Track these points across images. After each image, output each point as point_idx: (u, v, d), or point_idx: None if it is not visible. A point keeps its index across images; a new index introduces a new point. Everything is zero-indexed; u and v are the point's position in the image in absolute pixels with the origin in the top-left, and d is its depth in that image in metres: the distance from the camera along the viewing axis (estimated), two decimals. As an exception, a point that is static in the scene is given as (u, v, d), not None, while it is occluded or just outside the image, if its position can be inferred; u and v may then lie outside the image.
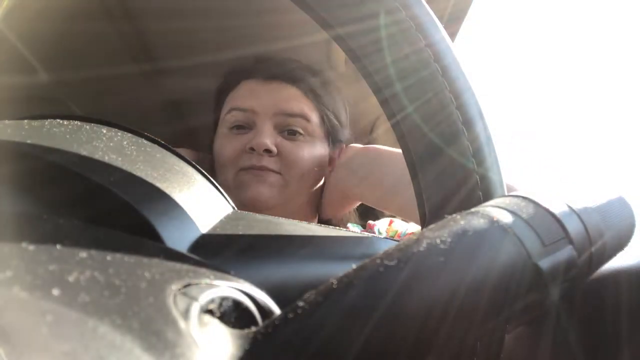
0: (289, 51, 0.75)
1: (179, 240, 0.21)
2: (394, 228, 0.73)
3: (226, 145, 0.69)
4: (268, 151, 0.65)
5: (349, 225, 0.76)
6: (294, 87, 0.69)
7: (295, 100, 0.69)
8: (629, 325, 0.22)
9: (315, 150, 0.69)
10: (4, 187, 0.20)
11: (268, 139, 0.65)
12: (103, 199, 0.20)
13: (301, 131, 0.68)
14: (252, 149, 0.65)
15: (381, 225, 0.73)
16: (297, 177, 0.67)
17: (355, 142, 0.83)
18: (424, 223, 0.26)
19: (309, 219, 0.75)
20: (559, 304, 0.23)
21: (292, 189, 0.67)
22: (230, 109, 0.70)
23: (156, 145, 0.28)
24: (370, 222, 0.76)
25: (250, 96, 0.69)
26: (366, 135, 1.01)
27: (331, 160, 0.74)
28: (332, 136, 0.72)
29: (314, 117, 0.69)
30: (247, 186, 0.65)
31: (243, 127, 0.69)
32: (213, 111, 0.77)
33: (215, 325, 0.15)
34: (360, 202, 0.74)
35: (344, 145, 0.75)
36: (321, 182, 0.73)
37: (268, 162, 0.65)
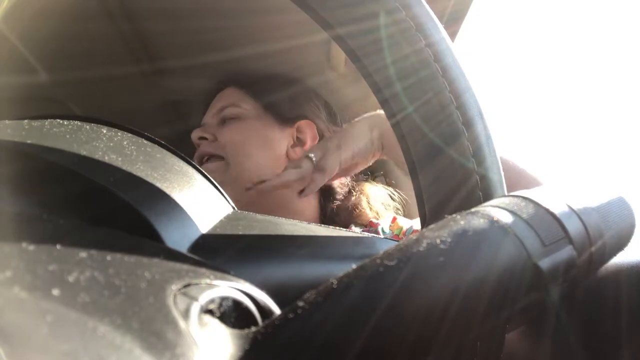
0: (289, 51, 0.75)
1: (179, 240, 0.21)
2: (399, 224, 0.72)
3: None
4: (203, 138, 0.75)
5: (352, 227, 0.75)
6: (231, 87, 0.79)
7: (227, 96, 0.79)
8: (629, 325, 0.22)
9: (250, 128, 0.75)
10: (4, 187, 0.20)
11: (198, 130, 0.76)
12: (103, 199, 0.20)
13: (233, 116, 0.76)
14: (196, 144, 0.76)
15: (384, 224, 0.73)
16: (236, 153, 0.73)
17: (333, 124, 0.83)
18: (424, 223, 0.26)
19: (308, 213, 0.75)
20: (559, 304, 0.23)
21: (236, 166, 0.72)
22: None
23: (156, 145, 0.28)
24: (373, 220, 0.75)
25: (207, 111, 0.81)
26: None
27: (299, 140, 0.78)
28: (277, 112, 0.77)
29: (245, 103, 0.77)
30: None
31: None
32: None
33: (215, 325, 0.15)
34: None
35: (312, 122, 0.79)
36: (278, 161, 0.75)
37: (207, 146, 0.74)
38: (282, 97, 0.78)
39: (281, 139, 0.76)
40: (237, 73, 0.80)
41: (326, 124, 0.81)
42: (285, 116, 0.77)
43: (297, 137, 0.78)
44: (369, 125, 0.61)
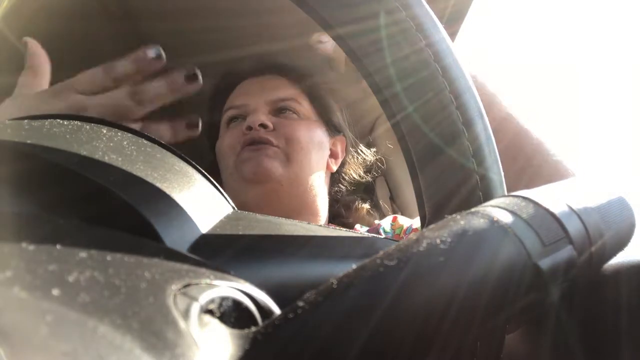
0: (289, 51, 0.75)
1: (179, 240, 0.21)
2: (400, 223, 0.73)
3: (225, 136, 0.72)
4: (264, 126, 0.68)
5: (357, 226, 0.77)
6: (282, 78, 0.75)
7: (284, 87, 0.74)
8: (629, 324, 0.22)
9: (311, 129, 0.72)
10: (4, 187, 0.20)
11: (262, 115, 0.69)
12: (103, 199, 0.20)
13: (294, 111, 0.72)
14: (249, 127, 0.67)
15: (385, 224, 0.74)
16: (298, 150, 0.68)
17: (355, 142, 0.84)
18: (424, 223, 0.26)
19: (317, 217, 0.76)
20: (559, 304, 0.23)
21: (296, 163, 0.68)
22: (226, 109, 0.74)
23: (156, 145, 0.28)
24: (376, 221, 0.77)
25: (243, 93, 0.74)
26: (366, 135, 1.01)
27: (333, 153, 0.78)
28: (327, 122, 0.76)
29: (305, 102, 0.74)
30: (249, 160, 0.66)
31: (238, 118, 0.72)
32: (209, 116, 0.79)
33: (215, 325, 0.15)
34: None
35: (344, 138, 0.79)
36: (323, 170, 0.75)
37: (266, 134, 0.67)
38: (332, 107, 0.79)
39: (327, 148, 0.77)
40: (289, 67, 0.77)
41: (352, 142, 0.84)
42: (334, 127, 0.78)
43: (331, 150, 0.78)
44: None
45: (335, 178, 0.82)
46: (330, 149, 0.78)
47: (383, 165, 0.93)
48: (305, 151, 0.70)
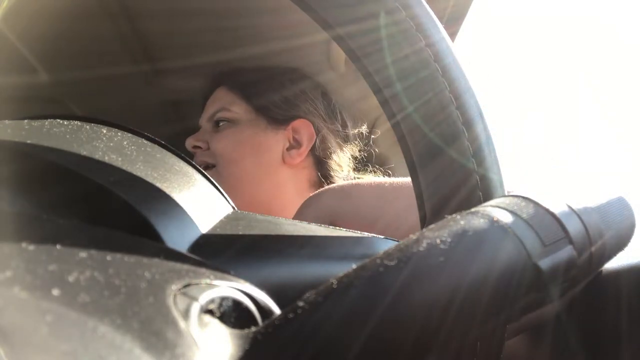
0: (289, 51, 0.75)
1: (179, 240, 0.21)
2: None
3: None
4: (197, 147, 0.74)
5: None
6: (223, 87, 0.77)
7: (219, 98, 0.76)
8: (629, 325, 0.22)
9: (241, 133, 0.73)
10: (4, 187, 0.20)
11: (192, 138, 0.75)
12: (103, 199, 0.20)
13: (226, 120, 0.74)
14: (192, 153, 0.75)
15: None
16: (227, 162, 0.71)
17: (330, 117, 0.80)
18: (424, 223, 0.26)
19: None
20: (559, 305, 0.23)
21: (229, 177, 0.70)
22: None
23: (156, 145, 0.28)
24: None
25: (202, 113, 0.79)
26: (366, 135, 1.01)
27: (295, 141, 0.74)
28: (267, 115, 0.74)
29: (236, 106, 0.74)
30: None
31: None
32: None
33: (215, 325, 0.15)
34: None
35: (307, 120, 0.75)
36: (274, 168, 0.72)
37: (202, 155, 0.73)
38: (273, 97, 0.75)
39: (275, 143, 0.72)
40: (227, 73, 0.78)
41: (324, 120, 0.77)
42: (277, 118, 0.74)
43: (294, 138, 0.74)
44: (316, 210, 0.53)
45: (322, 162, 0.76)
46: (294, 138, 0.73)
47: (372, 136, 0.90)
48: (234, 161, 0.70)
